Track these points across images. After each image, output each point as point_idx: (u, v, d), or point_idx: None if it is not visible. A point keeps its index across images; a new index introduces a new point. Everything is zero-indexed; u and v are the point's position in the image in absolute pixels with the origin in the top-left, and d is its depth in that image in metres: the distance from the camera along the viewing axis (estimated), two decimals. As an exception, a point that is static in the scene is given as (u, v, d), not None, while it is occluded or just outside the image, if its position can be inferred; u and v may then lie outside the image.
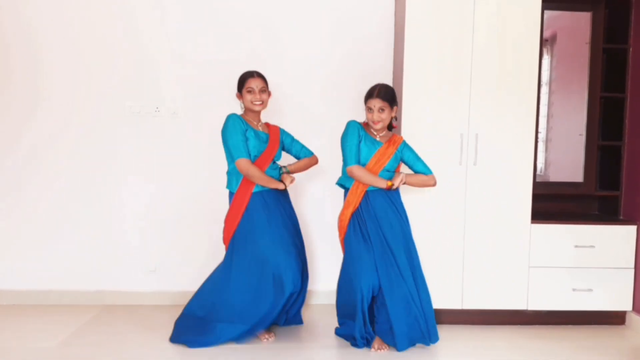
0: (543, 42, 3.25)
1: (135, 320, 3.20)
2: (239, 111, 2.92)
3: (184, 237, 3.50)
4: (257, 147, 2.83)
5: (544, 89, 3.38)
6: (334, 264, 3.28)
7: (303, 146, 3.05)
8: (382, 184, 2.74)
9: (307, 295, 3.16)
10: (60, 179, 3.46)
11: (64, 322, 3.12)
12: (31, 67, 3.41)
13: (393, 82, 3.42)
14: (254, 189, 2.82)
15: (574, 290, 3.12)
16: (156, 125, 3.46)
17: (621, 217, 3.30)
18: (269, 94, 2.92)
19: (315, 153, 3.09)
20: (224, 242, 2.89)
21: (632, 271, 3.13)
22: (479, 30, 3.01)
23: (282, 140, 2.99)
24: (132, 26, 3.42)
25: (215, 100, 3.42)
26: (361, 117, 2.89)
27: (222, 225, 2.91)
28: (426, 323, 2.76)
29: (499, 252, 3.09)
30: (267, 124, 2.99)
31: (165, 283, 3.51)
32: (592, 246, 3.11)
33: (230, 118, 2.82)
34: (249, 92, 2.84)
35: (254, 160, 2.81)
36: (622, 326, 3.23)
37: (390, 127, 2.88)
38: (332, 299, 3.15)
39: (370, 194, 2.79)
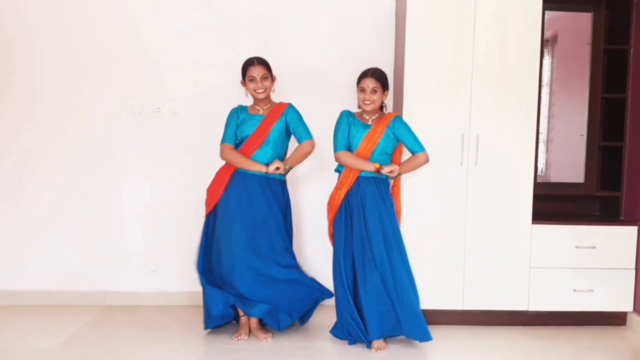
0: (544, 42, 3.25)
1: (136, 320, 3.20)
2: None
3: (184, 237, 3.49)
4: (250, 129, 2.88)
5: (545, 90, 3.38)
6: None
7: (304, 130, 2.92)
8: (370, 167, 2.77)
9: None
10: (60, 179, 3.46)
11: (64, 323, 3.12)
12: (31, 66, 3.41)
13: (394, 82, 3.41)
14: (237, 170, 2.88)
15: (574, 290, 3.12)
16: (157, 125, 3.46)
17: (622, 218, 3.29)
18: (273, 79, 2.94)
19: (315, 152, 3.00)
20: (206, 212, 2.96)
21: (633, 272, 3.13)
22: (480, 31, 3.01)
23: (286, 118, 2.92)
24: (133, 26, 3.42)
25: (216, 100, 3.41)
26: (361, 115, 2.90)
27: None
28: (397, 315, 2.75)
29: (500, 252, 3.09)
30: (277, 103, 2.96)
31: (166, 283, 3.51)
32: (593, 247, 3.11)
33: (230, 110, 2.97)
34: (251, 80, 2.87)
35: (245, 141, 2.88)
36: (623, 327, 3.22)
37: (381, 108, 2.91)
38: (332, 300, 3.14)
39: (362, 180, 2.81)
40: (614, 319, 3.23)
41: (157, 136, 3.47)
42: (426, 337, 2.77)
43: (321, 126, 3.02)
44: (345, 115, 2.86)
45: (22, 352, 2.73)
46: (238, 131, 2.91)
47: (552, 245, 3.11)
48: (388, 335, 2.82)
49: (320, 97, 3.47)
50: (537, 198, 3.14)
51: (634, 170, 3.24)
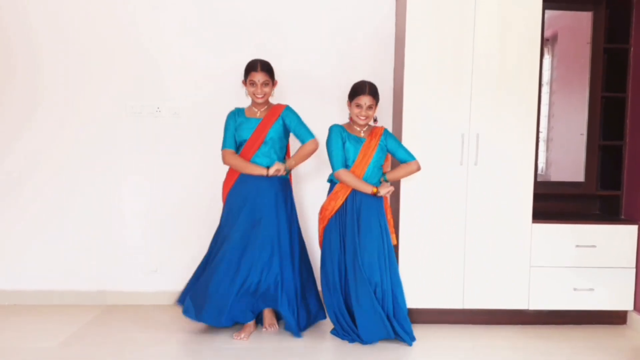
0: (544, 41, 3.25)
1: (137, 320, 3.20)
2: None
3: (185, 237, 3.50)
4: (248, 133, 2.92)
5: (545, 89, 3.38)
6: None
7: (305, 130, 2.96)
8: (368, 189, 2.83)
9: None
10: (61, 179, 3.45)
11: (65, 322, 3.12)
12: (31, 66, 3.41)
13: (394, 82, 3.42)
14: (240, 175, 2.95)
15: (575, 289, 3.12)
16: (157, 125, 3.46)
17: (622, 217, 3.29)
18: (275, 83, 2.97)
19: (315, 154, 3.03)
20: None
21: (634, 271, 3.13)
22: (480, 30, 3.01)
23: (284, 120, 2.95)
24: (134, 26, 3.42)
25: (216, 100, 3.41)
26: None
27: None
28: (389, 323, 2.82)
29: (500, 251, 3.09)
30: (274, 105, 2.99)
31: (167, 283, 3.51)
32: (594, 246, 3.11)
33: (228, 113, 2.99)
34: (252, 84, 2.90)
35: (244, 144, 2.92)
36: (624, 326, 3.22)
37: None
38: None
39: (356, 192, 2.88)
40: (614, 318, 3.23)
41: (157, 136, 3.46)
42: (411, 341, 2.85)
43: (322, 127, 3.02)
44: (338, 131, 2.88)
45: (22, 352, 2.73)
46: (236, 134, 2.94)
47: (553, 245, 3.11)
48: (379, 339, 2.86)
49: (320, 97, 3.47)
50: (537, 197, 3.15)
51: (634, 169, 3.24)
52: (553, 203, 3.40)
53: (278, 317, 3.09)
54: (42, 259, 3.47)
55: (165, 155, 3.47)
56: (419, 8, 3.00)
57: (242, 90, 3.01)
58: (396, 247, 3.01)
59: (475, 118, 3.04)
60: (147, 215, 3.50)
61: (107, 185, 3.47)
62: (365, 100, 2.83)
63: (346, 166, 2.86)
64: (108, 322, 3.16)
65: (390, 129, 3.42)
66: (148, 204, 3.49)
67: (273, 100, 3.04)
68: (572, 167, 3.39)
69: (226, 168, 3.02)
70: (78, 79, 3.42)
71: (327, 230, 2.91)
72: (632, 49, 3.23)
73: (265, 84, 2.89)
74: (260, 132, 2.91)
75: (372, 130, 2.92)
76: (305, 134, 2.95)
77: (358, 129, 2.91)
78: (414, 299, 3.08)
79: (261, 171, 2.88)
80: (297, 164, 2.99)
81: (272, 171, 2.88)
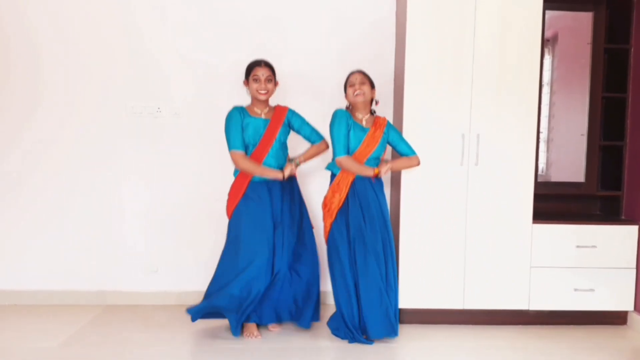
0: (544, 42, 3.25)
1: (137, 320, 3.19)
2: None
3: (185, 237, 3.50)
4: (256, 134, 2.87)
5: (546, 89, 3.38)
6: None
7: (313, 130, 3.00)
8: (370, 172, 2.82)
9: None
10: (61, 179, 3.45)
11: (65, 323, 3.12)
12: (31, 66, 3.41)
13: (394, 83, 3.42)
14: (253, 178, 2.87)
15: (575, 290, 3.11)
16: (158, 125, 3.46)
17: (623, 217, 3.29)
18: (276, 83, 2.95)
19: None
20: (227, 216, 2.96)
21: (634, 271, 3.13)
22: (480, 30, 3.01)
23: (289, 122, 2.96)
24: (134, 26, 3.42)
25: (217, 100, 3.41)
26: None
27: (225, 224, 2.97)
28: (394, 316, 2.84)
29: (501, 252, 3.09)
30: (275, 107, 2.98)
31: (167, 283, 3.51)
32: (594, 246, 3.11)
33: (230, 111, 2.90)
34: (255, 80, 2.87)
35: (253, 148, 2.86)
36: (624, 326, 3.22)
37: (372, 112, 2.96)
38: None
39: (358, 182, 2.85)
40: (614, 319, 3.22)
41: (158, 136, 3.46)
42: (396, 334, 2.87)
43: (322, 130, 3.03)
44: (345, 117, 2.84)
45: (22, 352, 2.72)
46: (244, 135, 2.87)
47: (553, 245, 3.10)
48: (385, 336, 2.84)
49: (320, 97, 3.47)
50: (537, 197, 3.15)
51: (634, 169, 3.23)
52: (553, 203, 3.40)
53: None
54: (42, 259, 3.47)
55: (165, 155, 3.47)
56: (419, 8, 3.00)
57: (243, 90, 2.99)
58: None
59: (475, 118, 3.04)
60: (147, 215, 3.49)
61: (107, 185, 3.47)
62: (355, 76, 2.87)
63: (350, 152, 2.84)
64: (108, 322, 3.15)
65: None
66: (148, 204, 3.49)
67: (272, 101, 3.02)
68: (572, 167, 3.39)
69: (225, 170, 2.98)
70: (78, 79, 3.42)
71: (335, 224, 2.86)
72: (632, 49, 3.23)
73: (268, 79, 2.88)
74: (271, 134, 2.88)
75: (375, 120, 2.91)
76: (316, 135, 3.01)
77: (360, 116, 2.89)
78: (414, 299, 3.08)
79: (277, 175, 2.86)
80: (306, 161, 3.02)
81: (287, 174, 2.87)
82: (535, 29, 3.01)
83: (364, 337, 2.85)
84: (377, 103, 2.97)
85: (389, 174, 3.06)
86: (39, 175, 3.45)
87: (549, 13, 3.29)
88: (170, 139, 3.47)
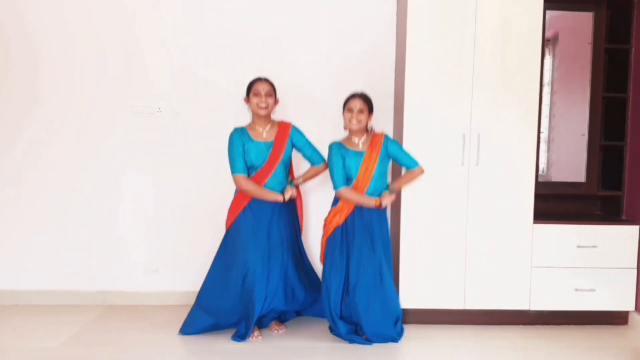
0: (545, 42, 3.25)
1: (137, 320, 3.19)
2: (244, 115, 2.98)
3: (185, 237, 3.50)
4: (258, 157, 2.87)
5: (546, 89, 3.38)
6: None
7: (315, 151, 3.01)
8: (371, 202, 2.84)
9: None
10: (61, 179, 3.45)
11: (64, 323, 3.12)
12: (31, 66, 3.41)
13: (395, 83, 3.42)
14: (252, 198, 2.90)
15: (576, 290, 3.11)
16: (158, 125, 3.46)
17: (623, 217, 3.29)
18: (276, 100, 2.94)
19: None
20: (225, 228, 2.98)
21: (635, 271, 3.13)
22: (481, 31, 3.01)
23: (292, 140, 2.96)
24: (134, 26, 3.42)
25: (217, 101, 3.42)
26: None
27: (224, 224, 2.99)
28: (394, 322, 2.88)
29: (501, 252, 3.09)
30: (278, 123, 2.98)
31: (167, 283, 3.51)
32: (595, 246, 3.10)
33: (231, 134, 2.89)
34: (255, 94, 2.87)
35: (255, 171, 2.87)
36: (625, 326, 3.22)
37: (368, 130, 2.95)
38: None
39: (359, 209, 2.89)
40: (615, 319, 3.22)
41: (158, 136, 3.46)
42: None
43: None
44: (336, 149, 2.87)
45: (22, 352, 2.72)
46: (246, 157, 2.87)
47: (554, 245, 3.10)
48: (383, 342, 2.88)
49: (320, 98, 3.46)
50: (538, 197, 3.15)
51: (635, 169, 3.23)
52: (554, 203, 3.40)
53: (282, 319, 3.13)
54: (42, 259, 3.47)
55: (165, 155, 3.47)
56: (420, 8, 3.00)
57: (243, 89, 2.98)
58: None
59: (476, 118, 3.04)
60: (147, 215, 3.49)
61: (107, 185, 3.47)
62: (355, 102, 2.84)
63: (348, 182, 2.87)
64: (109, 322, 3.15)
65: (391, 130, 3.43)
66: (148, 203, 3.49)
67: (274, 117, 3.01)
68: (573, 167, 3.39)
69: (225, 170, 2.97)
70: (78, 79, 3.42)
71: (330, 242, 2.91)
72: (633, 49, 3.23)
73: (269, 94, 2.87)
74: (275, 158, 2.88)
75: (371, 140, 2.90)
76: (317, 157, 3.01)
77: (356, 140, 2.90)
78: (414, 299, 3.08)
79: (277, 197, 2.86)
80: (304, 182, 3.05)
81: (287, 197, 2.88)
82: (536, 29, 3.01)
83: (364, 337, 2.85)
84: (371, 129, 2.94)
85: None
86: (39, 175, 3.45)
87: (549, 13, 3.29)
88: (171, 139, 3.47)
